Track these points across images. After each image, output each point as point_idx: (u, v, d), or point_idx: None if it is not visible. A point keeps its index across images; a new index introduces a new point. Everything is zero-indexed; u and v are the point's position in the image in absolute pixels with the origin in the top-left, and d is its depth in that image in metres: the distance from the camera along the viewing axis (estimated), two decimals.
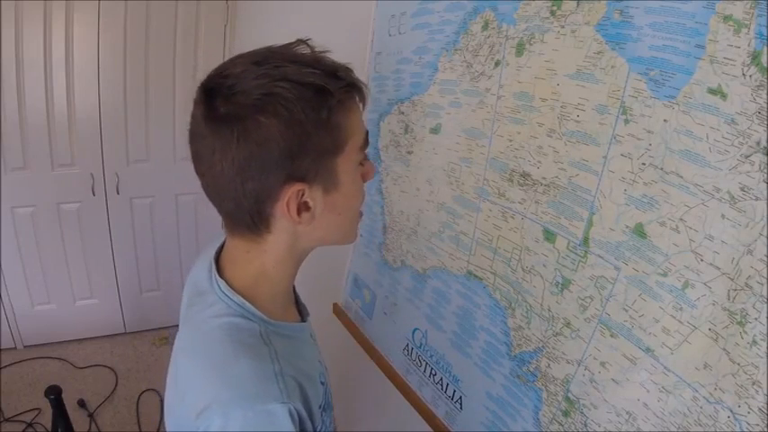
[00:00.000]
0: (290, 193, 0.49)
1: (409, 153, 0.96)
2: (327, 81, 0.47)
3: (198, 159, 0.51)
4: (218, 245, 0.61)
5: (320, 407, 0.55)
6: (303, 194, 0.50)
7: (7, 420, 1.93)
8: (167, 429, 0.56)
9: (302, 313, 0.66)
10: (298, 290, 0.66)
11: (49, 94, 2.05)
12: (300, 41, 0.51)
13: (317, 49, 0.51)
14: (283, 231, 0.54)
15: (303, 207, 0.51)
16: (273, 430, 0.45)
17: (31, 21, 1.93)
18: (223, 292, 0.54)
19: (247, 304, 0.53)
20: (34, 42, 1.96)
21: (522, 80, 0.69)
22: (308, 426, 0.49)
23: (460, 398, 0.87)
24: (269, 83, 0.46)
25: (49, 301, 2.36)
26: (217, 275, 0.55)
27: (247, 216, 0.51)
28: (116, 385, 2.21)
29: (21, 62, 1.96)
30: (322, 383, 0.58)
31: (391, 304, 1.07)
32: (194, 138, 0.51)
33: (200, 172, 0.52)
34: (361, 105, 0.54)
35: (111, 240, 2.38)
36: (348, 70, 0.51)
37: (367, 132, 0.55)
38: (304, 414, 0.48)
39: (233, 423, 0.44)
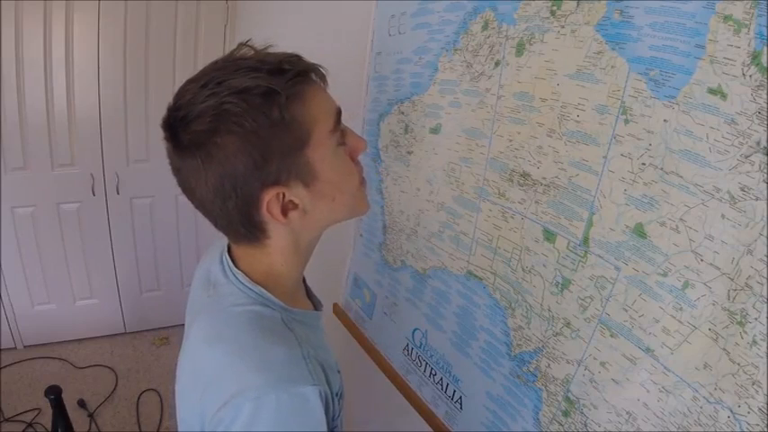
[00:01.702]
0: (269, 198, 0.50)
1: (409, 153, 0.96)
2: (271, 80, 0.47)
3: (182, 187, 0.54)
4: (226, 240, 0.61)
5: (337, 394, 0.56)
6: (284, 196, 0.51)
7: (7, 420, 1.93)
8: (179, 427, 0.56)
9: (315, 304, 0.67)
10: None
11: (49, 94, 2.05)
12: (242, 45, 0.52)
13: (259, 48, 0.51)
14: (282, 232, 0.54)
15: (290, 206, 0.52)
16: (306, 412, 0.45)
17: (31, 21, 1.93)
18: (241, 281, 0.55)
19: (266, 293, 0.54)
20: (34, 42, 1.95)
21: (522, 80, 0.69)
22: (331, 409, 0.50)
23: (460, 398, 0.87)
24: (216, 102, 0.46)
25: (49, 301, 2.36)
26: (233, 266, 0.56)
27: (241, 228, 0.53)
28: (116, 385, 2.21)
29: (21, 62, 1.96)
30: (338, 371, 0.60)
31: (391, 304, 1.07)
32: (173, 170, 0.54)
33: (188, 197, 0.54)
34: (322, 84, 0.53)
35: (111, 240, 2.38)
36: (294, 59, 0.50)
37: (338, 110, 0.54)
38: (329, 397, 0.49)
39: (266, 408, 0.44)
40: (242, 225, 0.52)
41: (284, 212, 0.52)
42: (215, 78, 0.48)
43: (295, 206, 0.52)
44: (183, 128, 0.49)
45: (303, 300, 0.64)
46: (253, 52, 0.51)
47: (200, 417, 0.48)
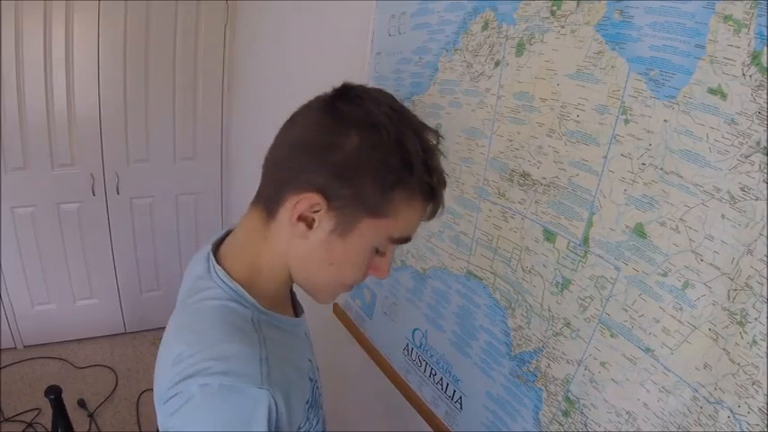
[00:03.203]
0: (308, 197, 0.49)
1: None
2: (419, 165, 0.49)
3: (285, 127, 0.55)
4: (216, 238, 0.61)
5: (307, 402, 0.55)
6: (317, 210, 0.50)
7: (7, 420, 1.93)
8: (158, 420, 0.56)
9: (297, 311, 0.66)
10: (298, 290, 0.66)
11: (49, 94, 2.04)
12: (436, 132, 0.53)
13: (441, 149, 0.54)
14: (283, 229, 0.53)
15: (307, 222, 0.51)
16: (246, 412, 0.45)
17: (31, 21, 1.93)
18: (220, 278, 0.54)
19: (242, 290, 0.54)
20: (34, 42, 1.95)
21: (522, 80, 0.69)
22: (284, 421, 0.49)
23: (460, 398, 0.87)
24: (394, 119, 0.49)
25: (49, 301, 2.36)
26: (215, 263, 0.56)
27: (271, 188, 0.54)
28: (116, 385, 2.21)
29: (21, 62, 1.96)
30: (311, 379, 0.59)
31: (391, 304, 1.07)
32: (303, 110, 0.55)
33: (284, 128, 0.55)
34: (424, 214, 0.54)
35: (111, 240, 2.38)
36: (441, 180, 0.53)
37: (406, 239, 0.55)
38: (282, 407, 0.48)
39: (208, 391, 0.44)
40: (275, 183, 0.53)
41: (299, 218, 0.51)
42: (404, 113, 0.51)
43: (310, 225, 0.51)
44: (351, 100, 0.50)
45: (284, 307, 0.63)
46: (436, 141, 0.53)
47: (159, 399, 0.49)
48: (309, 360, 0.62)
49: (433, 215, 0.55)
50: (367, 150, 0.48)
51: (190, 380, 0.45)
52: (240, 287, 0.54)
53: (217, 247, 0.60)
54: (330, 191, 0.49)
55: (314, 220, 0.51)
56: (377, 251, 0.54)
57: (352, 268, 0.54)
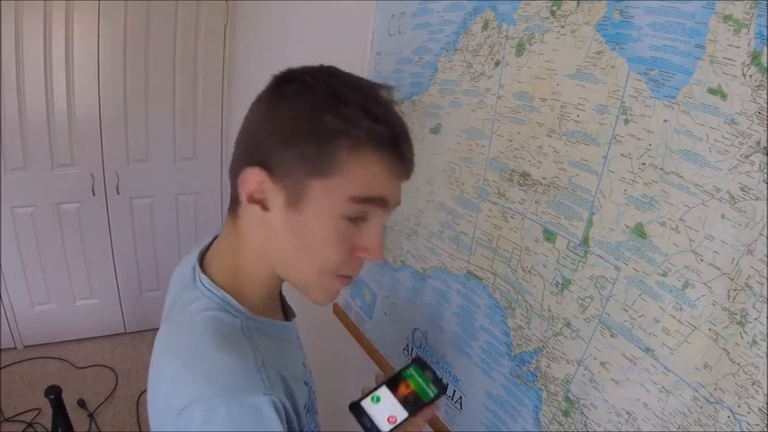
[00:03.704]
0: (249, 173, 0.48)
1: None
2: (360, 113, 0.46)
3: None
4: (202, 246, 0.60)
5: (305, 407, 0.54)
6: (262, 186, 0.49)
7: (7, 420, 1.93)
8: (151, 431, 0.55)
9: (287, 315, 0.65)
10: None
11: (49, 94, 2.05)
12: (389, 89, 0.51)
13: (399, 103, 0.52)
14: (249, 220, 0.52)
15: (261, 203, 0.50)
16: (259, 422, 0.43)
17: (31, 21, 1.93)
18: (206, 287, 0.53)
19: (229, 298, 0.52)
20: (34, 42, 1.96)
21: (522, 80, 0.69)
22: (295, 423, 0.48)
23: (460, 398, 0.87)
24: (329, 81, 0.48)
25: (49, 301, 2.36)
26: (200, 271, 0.55)
27: (231, 181, 0.53)
28: (116, 385, 2.21)
29: (21, 62, 1.96)
30: (306, 384, 0.58)
31: (391, 304, 1.07)
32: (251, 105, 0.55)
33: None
34: (388, 168, 0.49)
35: (111, 240, 2.38)
36: (396, 129, 0.49)
37: (380, 199, 0.50)
38: (290, 408, 0.47)
39: (216, 417, 0.42)
40: (232, 181, 0.52)
41: (251, 198, 0.49)
42: (338, 73, 0.50)
43: (265, 207, 0.49)
44: (289, 80, 0.50)
45: (274, 310, 0.61)
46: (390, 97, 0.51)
47: (165, 427, 0.47)
48: (303, 364, 0.61)
49: (402, 167, 0.50)
50: (301, 113, 0.47)
51: (194, 405, 0.43)
52: (226, 294, 0.52)
53: (203, 256, 0.58)
54: (270, 161, 0.48)
55: (266, 200, 0.49)
56: (352, 221, 0.49)
57: (324, 247, 0.50)
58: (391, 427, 0.61)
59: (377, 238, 0.51)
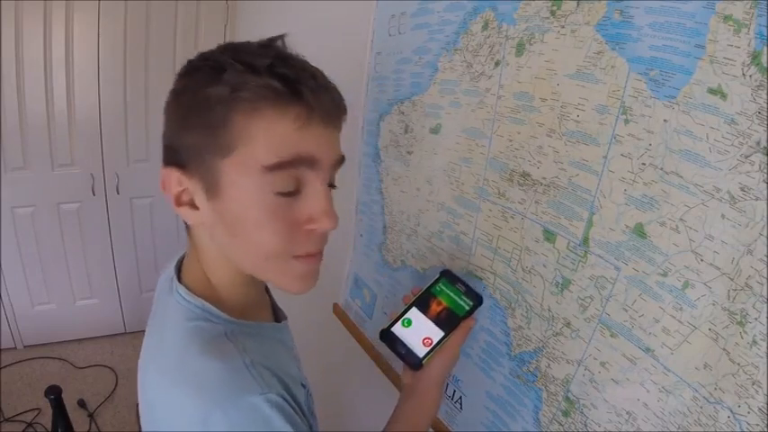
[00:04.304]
0: (167, 176, 0.47)
1: (409, 153, 0.96)
2: (241, 72, 0.42)
3: None
4: (180, 256, 0.59)
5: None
6: (180, 184, 0.47)
7: (7, 420, 1.93)
8: None
9: (278, 317, 0.63)
10: None
11: (49, 94, 2.05)
12: (278, 38, 0.48)
13: (299, 54, 0.47)
14: (194, 225, 0.51)
15: (186, 200, 0.48)
16: (261, 422, 0.41)
17: (31, 21, 1.93)
18: (183, 297, 0.51)
19: (208, 305, 0.50)
20: (34, 42, 1.96)
21: (522, 80, 0.69)
22: (298, 413, 0.46)
23: (460, 398, 0.87)
24: (214, 55, 0.45)
25: (48, 301, 2.36)
26: (177, 282, 0.53)
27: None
28: (116, 385, 2.21)
29: (21, 62, 1.96)
30: (303, 386, 0.54)
31: (391, 304, 1.07)
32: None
33: None
34: (293, 118, 0.43)
35: (111, 240, 2.38)
36: (291, 73, 0.42)
37: (308, 158, 0.44)
38: (291, 401, 0.45)
39: (216, 427, 0.40)
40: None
41: (178, 201, 0.48)
42: (229, 46, 0.47)
43: (193, 206, 0.48)
44: (185, 73, 0.48)
45: (259, 312, 0.59)
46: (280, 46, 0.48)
47: None
48: (298, 367, 0.59)
49: (313, 113, 0.44)
50: (190, 97, 0.45)
51: (192, 420, 0.42)
52: (204, 302, 0.50)
53: (181, 264, 0.57)
54: (176, 156, 0.46)
55: (192, 199, 0.48)
56: (284, 195, 0.45)
57: (257, 230, 0.45)
58: (428, 350, 0.57)
59: (320, 203, 0.46)
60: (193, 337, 0.47)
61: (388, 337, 0.58)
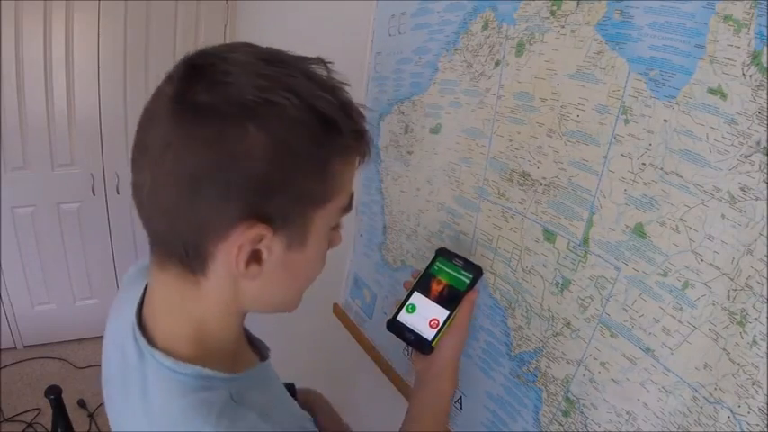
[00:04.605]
0: (248, 235, 0.38)
1: (409, 153, 0.96)
2: (340, 117, 0.39)
3: (142, 150, 0.40)
4: (134, 295, 0.49)
5: None
6: (261, 241, 0.39)
7: (7, 420, 1.93)
8: None
9: (262, 352, 0.55)
10: None
11: (49, 94, 2.05)
12: (321, 61, 0.42)
13: (336, 76, 0.42)
14: (222, 280, 0.42)
15: (253, 257, 0.40)
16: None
17: (31, 21, 1.93)
18: (169, 367, 0.41)
19: (205, 371, 0.41)
20: (34, 42, 1.96)
21: (522, 80, 0.69)
22: None
23: (460, 398, 0.87)
24: (273, 87, 0.36)
25: (48, 301, 2.36)
26: (147, 345, 0.43)
27: (180, 246, 0.40)
28: None
29: (21, 62, 1.96)
30: (311, 419, 0.52)
31: (391, 304, 1.07)
32: (149, 121, 0.40)
33: (138, 166, 0.40)
34: (358, 163, 0.44)
35: (111, 240, 2.38)
36: (362, 115, 0.42)
37: (352, 195, 0.46)
38: None
39: None
40: (183, 243, 0.39)
41: (247, 263, 0.40)
42: (282, 66, 0.38)
43: (259, 261, 0.40)
44: (213, 83, 0.36)
45: (246, 353, 0.52)
46: (327, 74, 0.42)
47: None
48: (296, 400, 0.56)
49: (366, 156, 0.44)
50: (279, 136, 0.36)
51: None
52: (202, 369, 0.41)
53: (140, 309, 0.47)
54: (265, 210, 0.38)
55: (260, 252, 0.40)
56: (333, 228, 0.46)
57: (317, 265, 0.46)
58: (436, 331, 0.56)
59: (341, 230, 0.48)
60: (201, 414, 0.39)
61: (394, 326, 0.58)
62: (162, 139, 0.37)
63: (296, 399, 0.55)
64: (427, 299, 0.58)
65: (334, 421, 0.64)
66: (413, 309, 0.58)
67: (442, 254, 0.61)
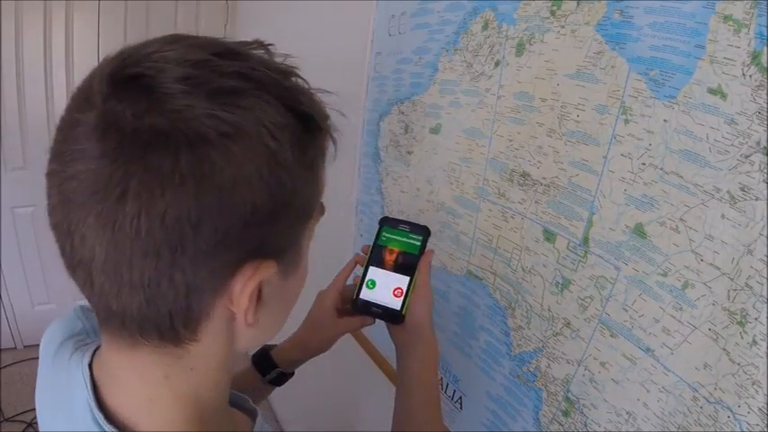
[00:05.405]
0: (255, 279, 0.31)
1: (409, 153, 0.96)
2: (314, 110, 0.32)
3: (67, 206, 0.28)
4: (75, 377, 0.36)
5: None
6: (262, 274, 0.31)
7: (7, 420, 1.93)
8: None
9: (249, 410, 0.45)
10: None
11: (49, 93, 2.05)
12: (260, 44, 0.32)
13: (279, 58, 0.33)
14: (218, 337, 0.33)
15: (258, 298, 0.33)
16: None
17: (31, 20, 1.93)
18: None
19: None
20: (34, 42, 1.96)
21: (522, 80, 0.69)
22: None
23: (460, 398, 0.87)
24: (242, 89, 0.28)
25: (48, 301, 2.36)
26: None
27: (163, 318, 0.30)
28: None
29: (21, 62, 1.96)
30: None
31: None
32: (68, 164, 0.28)
33: (66, 230, 0.29)
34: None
35: None
36: (326, 115, 0.35)
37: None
38: None
39: None
40: (169, 313, 0.29)
41: (251, 300, 0.32)
42: (238, 59, 0.29)
43: (260, 299, 0.33)
44: (163, 103, 0.26)
45: (234, 414, 0.44)
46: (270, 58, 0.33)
47: None
48: None
49: (336, 143, 0.37)
50: (269, 153, 0.28)
51: None
52: None
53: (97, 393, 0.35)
54: (266, 242, 0.31)
55: (263, 290, 0.33)
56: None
57: (304, 282, 0.40)
58: (402, 299, 0.57)
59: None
60: None
61: (360, 305, 0.58)
62: (106, 186, 0.26)
63: None
64: (384, 270, 0.59)
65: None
66: (373, 284, 0.58)
67: (386, 222, 0.60)
